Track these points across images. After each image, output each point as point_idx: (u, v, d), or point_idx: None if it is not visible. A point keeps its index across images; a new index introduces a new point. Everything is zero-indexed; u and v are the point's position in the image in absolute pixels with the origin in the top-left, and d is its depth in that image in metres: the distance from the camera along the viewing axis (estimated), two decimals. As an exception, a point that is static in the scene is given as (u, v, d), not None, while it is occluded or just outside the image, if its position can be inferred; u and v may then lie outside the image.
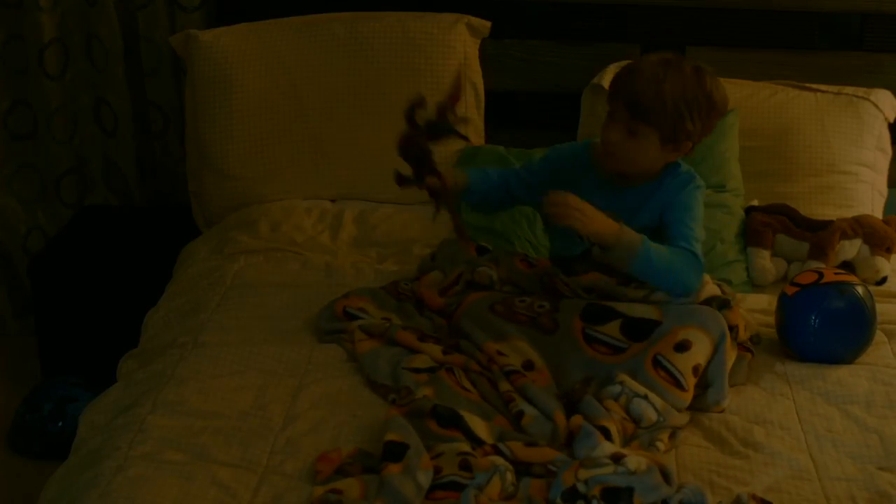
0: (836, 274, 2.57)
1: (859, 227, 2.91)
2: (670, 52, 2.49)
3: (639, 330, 2.36)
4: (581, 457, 2.09)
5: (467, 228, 2.56)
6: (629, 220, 2.42)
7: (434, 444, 2.10)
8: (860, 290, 2.53)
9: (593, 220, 2.36)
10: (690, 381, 2.29)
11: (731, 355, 2.38)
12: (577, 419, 2.19)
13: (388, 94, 3.19)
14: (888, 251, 2.90)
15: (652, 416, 2.23)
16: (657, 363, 2.31)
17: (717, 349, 2.34)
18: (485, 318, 2.45)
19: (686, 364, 2.29)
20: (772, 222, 2.92)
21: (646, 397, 2.25)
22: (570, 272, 2.53)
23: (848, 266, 2.84)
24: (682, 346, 2.31)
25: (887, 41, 3.31)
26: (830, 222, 2.92)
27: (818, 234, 2.89)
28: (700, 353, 2.32)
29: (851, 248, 2.86)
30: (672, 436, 2.24)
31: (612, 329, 2.37)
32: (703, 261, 2.47)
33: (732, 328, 2.42)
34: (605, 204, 2.42)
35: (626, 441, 2.21)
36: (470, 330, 2.44)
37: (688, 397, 2.29)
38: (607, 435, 2.15)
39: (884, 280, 2.86)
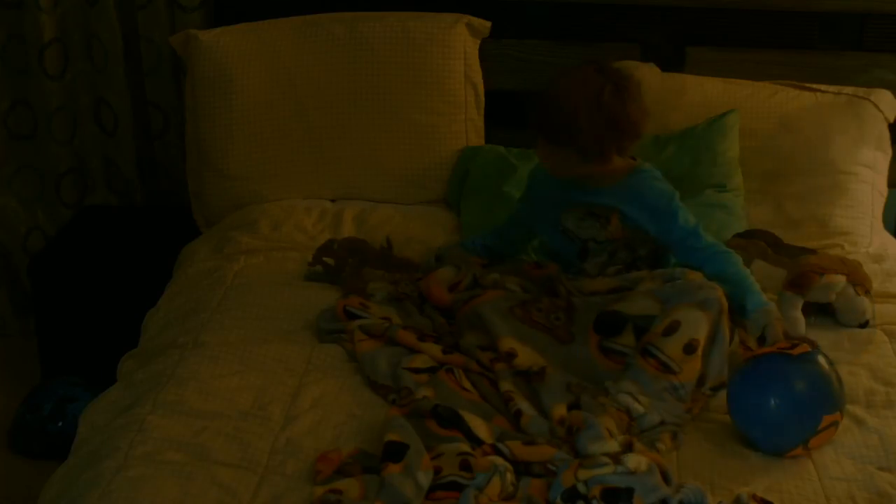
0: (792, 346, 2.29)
1: (843, 265, 2.69)
2: (584, 65, 2.61)
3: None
4: (585, 448, 2.09)
5: None
6: (613, 216, 2.57)
7: (434, 445, 2.09)
8: (822, 360, 2.25)
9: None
10: (684, 362, 2.29)
11: (726, 334, 2.37)
12: (577, 414, 2.20)
13: (388, 94, 3.20)
14: (867, 293, 2.69)
15: (638, 408, 2.24)
16: (646, 352, 2.31)
17: (715, 325, 2.34)
18: (505, 316, 2.46)
19: (675, 346, 2.30)
20: (748, 246, 2.82)
21: (630, 394, 2.26)
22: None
23: (826, 308, 2.67)
24: (670, 329, 2.31)
25: (887, 41, 3.31)
26: (813, 252, 2.77)
27: (797, 261, 2.69)
28: (692, 328, 2.31)
29: (836, 286, 2.65)
30: (674, 437, 2.24)
31: (627, 339, 2.37)
32: (713, 239, 2.58)
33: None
34: (586, 200, 2.59)
35: (626, 430, 2.21)
36: (490, 319, 2.44)
37: (683, 378, 2.29)
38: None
39: (867, 323, 2.65)
